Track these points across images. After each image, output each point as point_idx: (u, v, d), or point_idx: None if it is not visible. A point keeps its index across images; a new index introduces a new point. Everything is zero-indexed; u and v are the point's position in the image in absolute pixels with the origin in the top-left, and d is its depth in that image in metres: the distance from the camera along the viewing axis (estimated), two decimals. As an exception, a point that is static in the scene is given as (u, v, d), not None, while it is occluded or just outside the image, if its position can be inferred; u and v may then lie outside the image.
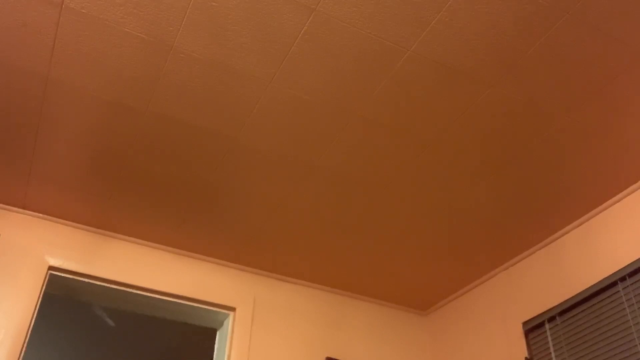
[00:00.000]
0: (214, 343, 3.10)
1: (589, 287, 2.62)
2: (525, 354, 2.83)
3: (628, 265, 2.49)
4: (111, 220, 2.89)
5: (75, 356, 4.89)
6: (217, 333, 3.13)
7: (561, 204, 2.71)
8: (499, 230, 2.87)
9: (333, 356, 3.16)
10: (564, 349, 2.65)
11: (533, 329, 2.84)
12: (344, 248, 3.03)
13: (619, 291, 2.50)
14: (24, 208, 2.84)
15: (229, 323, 3.02)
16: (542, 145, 2.40)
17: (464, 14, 1.91)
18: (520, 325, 2.92)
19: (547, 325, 2.78)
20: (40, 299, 2.69)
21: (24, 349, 2.55)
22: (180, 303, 2.99)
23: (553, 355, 2.69)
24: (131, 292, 2.91)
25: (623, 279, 2.50)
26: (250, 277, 3.21)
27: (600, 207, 2.71)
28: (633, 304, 2.43)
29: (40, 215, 2.87)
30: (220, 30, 1.98)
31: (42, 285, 2.71)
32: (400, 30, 1.97)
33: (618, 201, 2.65)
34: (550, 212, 2.76)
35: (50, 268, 2.77)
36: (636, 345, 2.36)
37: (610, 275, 2.54)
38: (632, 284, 2.45)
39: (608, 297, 2.54)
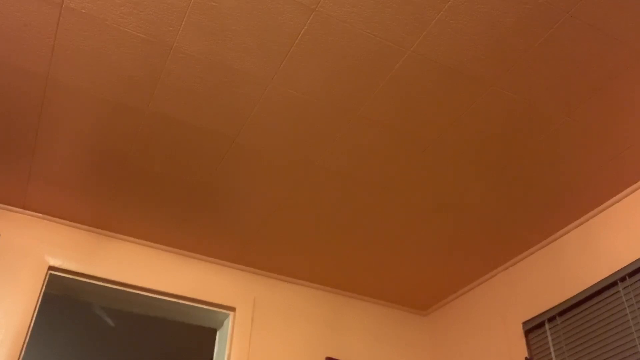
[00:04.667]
0: (214, 343, 3.10)
1: (589, 287, 2.62)
2: (525, 354, 2.83)
3: (628, 265, 2.48)
4: (111, 220, 2.89)
5: (75, 356, 4.89)
6: (217, 333, 3.13)
7: (561, 204, 2.71)
8: (499, 230, 2.87)
9: (333, 356, 3.16)
10: (564, 349, 2.65)
11: (533, 329, 2.84)
12: (343, 248, 3.03)
13: (619, 291, 2.50)
14: (24, 208, 2.84)
15: (229, 323, 3.02)
16: (542, 145, 2.40)
17: (464, 14, 1.91)
18: (520, 325, 2.92)
19: (547, 325, 2.78)
20: (40, 299, 2.69)
21: (24, 349, 2.55)
22: (180, 303, 2.99)
23: (553, 355, 2.69)
24: (131, 292, 2.91)
25: (623, 279, 2.50)
26: (250, 277, 3.21)
27: (600, 207, 2.71)
28: (633, 304, 2.43)
29: (40, 215, 2.87)
30: (220, 30, 1.98)
31: (42, 285, 2.71)
32: (400, 30, 1.97)
33: (618, 201, 2.65)
34: (550, 212, 2.76)
35: (50, 268, 2.77)
36: (636, 345, 2.36)
37: (610, 275, 2.54)
38: (632, 284, 2.45)
39: (608, 297, 2.54)
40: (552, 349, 2.71)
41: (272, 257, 3.13)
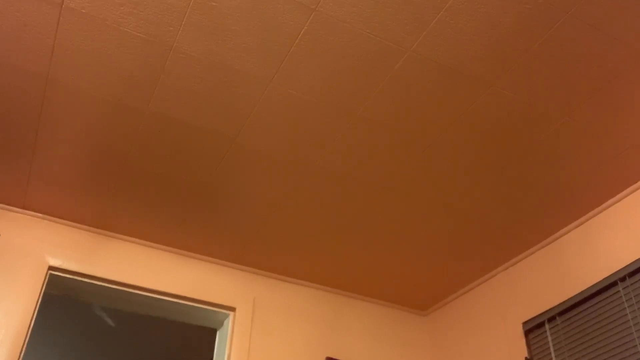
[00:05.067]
0: (214, 343, 3.10)
1: (589, 287, 2.62)
2: (525, 354, 2.83)
3: (628, 265, 2.48)
4: (111, 220, 2.89)
5: (75, 356, 4.89)
6: (217, 333, 3.13)
7: (561, 204, 2.71)
8: (499, 230, 2.87)
9: (333, 356, 3.16)
10: (564, 349, 2.65)
11: (533, 329, 2.84)
12: (343, 248, 3.03)
13: (619, 291, 2.50)
14: (24, 208, 2.84)
15: (229, 323, 3.02)
16: (542, 145, 2.40)
17: (464, 14, 1.91)
18: (520, 325, 2.92)
19: (547, 325, 2.78)
20: (40, 299, 2.69)
21: (24, 349, 2.55)
22: (180, 303, 2.99)
23: (553, 355, 2.69)
24: (131, 292, 2.91)
25: (623, 279, 2.50)
26: (250, 277, 3.21)
27: (600, 207, 2.71)
28: (633, 304, 2.43)
29: (40, 215, 2.87)
30: (220, 30, 1.98)
31: (42, 285, 2.71)
32: (400, 30, 1.97)
33: (618, 201, 2.65)
34: (550, 212, 2.76)
35: (50, 268, 2.77)
36: (636, 346, 2.36)
37: (610, 275, 2.54)
38: (632, 284, 2.45)
39: (608, 297, 2.54)
40: (552, 349, 2.71)
41: (272, 257, 3.13)
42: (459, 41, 2.00)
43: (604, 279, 2.57)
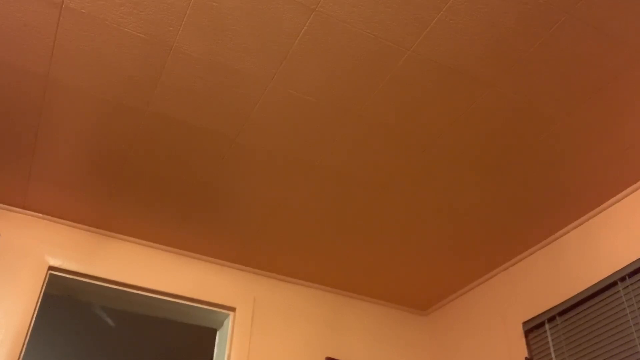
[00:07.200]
0: (214, 343, 3.10)
1: (589, 287, 2.62)
2: (525, 354, 2.83)
3: (628, 265, 2.49)
4: (111, 220, 2.89)
5: (75, 356, 4.89)
6: (217, 333, 3.13)
7: (561, 204, 2.71)
8: (499, 230, 2.87)
9: (333, 356, 3.16)
10: (564, 349, 2.65)
11: (533, 329, 2.84)
12: (343, 248, 3.03)
13: (619, 291, 2.50)
14: (24, 208, 2.84)
15: (229, 323, 3.02)
16: (542, 145, 2.40)
17: (464, 14, 1.91)
18: (520, 325, 2.92)
19: (547, 325, 2.78)
20: (40, 299, 2.69)
21: (23, 349, 2.55)
22: (180, 303, 2.99)
23: (553, 355, 2.69)
24: (131, 292, 2.91)
25: (623, 279, 2.50)
26: (250, 277, 3.21)
27: (600, 207, 2.71)
28: (633, 304, 2.43)
29: (40, 215, 2.87)
30: (220, 30, 1.98)
31: (42, 285, 2.71)
32: (400, 30, 1.97)
33: (618, 201, 2.65)
34: (550, 212, 2.76)
35: (50, 268, 2.77)
36: (636, 345, 2.36)
37: (610, 275, 2.54)
38: (632, 284, 2.45)
39: (608, 297, 2.54)
40: (552, 349, 2.71)
41: (272, 257, 3.13)
42: (459, 41, 2.00)
43: (604, 279, 2.57)
